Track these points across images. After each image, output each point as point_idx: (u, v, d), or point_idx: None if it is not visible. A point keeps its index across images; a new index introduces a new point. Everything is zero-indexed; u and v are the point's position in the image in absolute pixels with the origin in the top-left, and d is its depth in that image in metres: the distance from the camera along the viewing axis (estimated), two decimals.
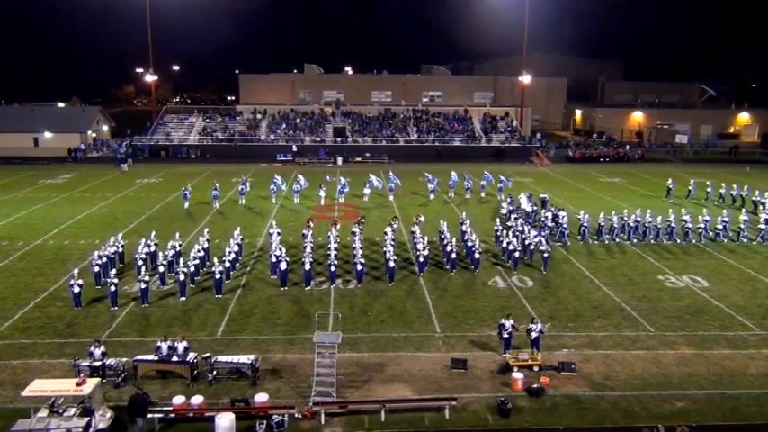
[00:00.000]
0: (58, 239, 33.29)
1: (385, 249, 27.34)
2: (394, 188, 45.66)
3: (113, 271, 24.76)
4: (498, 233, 31.73)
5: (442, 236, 29.71)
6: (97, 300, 24.34)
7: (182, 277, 24.68)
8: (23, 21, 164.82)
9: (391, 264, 26.39)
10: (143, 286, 23.86)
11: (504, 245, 29.56)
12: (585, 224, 33.60)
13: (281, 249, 26.92)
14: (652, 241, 33.22)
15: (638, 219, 34.04)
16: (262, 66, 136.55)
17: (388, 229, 30.23)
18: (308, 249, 26.96)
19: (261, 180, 49.44)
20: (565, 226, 33.43)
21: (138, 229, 35.07)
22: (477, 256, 27.56)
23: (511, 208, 38.08)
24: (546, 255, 27.83)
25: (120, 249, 28.58)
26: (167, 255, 27.08)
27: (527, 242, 29.71)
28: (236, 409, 16.31)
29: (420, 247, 27.55)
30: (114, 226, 35.67)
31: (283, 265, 25.66)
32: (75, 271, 24.36)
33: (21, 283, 26.51)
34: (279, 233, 29.34)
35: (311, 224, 31.61)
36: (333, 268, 26.03)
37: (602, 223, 33.83)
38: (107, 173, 56.72)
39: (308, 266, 25.76)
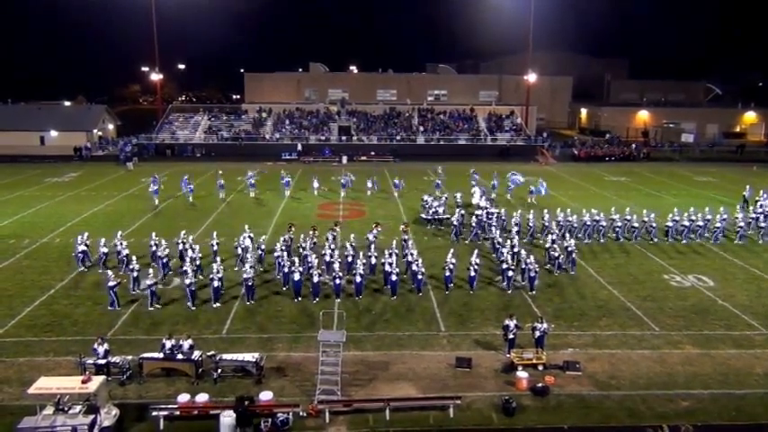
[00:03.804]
0: (64, 237, 33.41)
1: (385, 261, 25.97)
2: (399, 185, 45.74)
3: (150, 271, 24.29)
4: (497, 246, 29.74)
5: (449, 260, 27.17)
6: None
7: (216, 283, 24.09)
8: (29, 19, 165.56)
9: (393, 277, 25.03)
10: (193, 288, 23.73)
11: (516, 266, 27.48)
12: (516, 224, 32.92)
13: (292, 258, 26.19)
14: (586, 241, 32.78)
15: (569, 218, 33.37)
16: (267, 64, 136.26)
17: (371, 236, 29.06)
18: (316, 261, 26.03)
19: (268, 179, 49.56)
20: (482, 224, 33.45)
21: (143, 227, 35.18)
22: (472, 274, 25.94)
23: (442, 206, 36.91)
24: (533, 274, 25.90)
25: (154, 248, 28.02)
26: (214, 249, 27.73)
27: (521, 260, 27.47)
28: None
29: (419, 262, 25.91)
30: (120, 224, 35.73)
31: (296, 276, 24.82)
32: (110, 272, 24.95)
33: (27, 280, 26.64)
34: (251, 236, 28.93)
35: (292, 228, 30.58)
36: (337, 281, 24.99)
37: (532, 224, 33.61)
38: (113, 171, 56.96)
39: (316, 279, 24.74)
